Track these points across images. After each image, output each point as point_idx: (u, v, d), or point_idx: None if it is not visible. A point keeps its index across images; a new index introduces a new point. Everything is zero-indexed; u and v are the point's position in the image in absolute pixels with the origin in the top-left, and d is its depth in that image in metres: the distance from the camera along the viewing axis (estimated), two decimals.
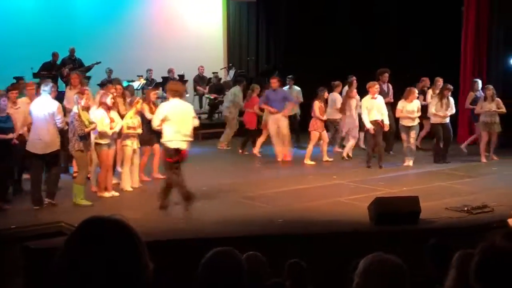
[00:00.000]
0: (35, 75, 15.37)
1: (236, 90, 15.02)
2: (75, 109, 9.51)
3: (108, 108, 9.82)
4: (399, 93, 13.04)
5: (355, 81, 13.73)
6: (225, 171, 12.29)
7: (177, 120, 8.96)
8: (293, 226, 8.42)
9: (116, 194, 9.99)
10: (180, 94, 9.25)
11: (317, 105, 12.97)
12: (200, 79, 18.31)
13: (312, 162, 12.98)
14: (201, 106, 18.37)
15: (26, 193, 9.68)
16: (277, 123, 12.92)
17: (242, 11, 19.85)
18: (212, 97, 17.59)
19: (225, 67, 19.62)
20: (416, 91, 12.81)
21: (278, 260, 5.18)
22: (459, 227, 8.30)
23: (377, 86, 12.61)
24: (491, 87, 13.03)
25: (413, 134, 12.65)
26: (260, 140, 13.77)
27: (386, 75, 13.56)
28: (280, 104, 13.05)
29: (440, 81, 13.49)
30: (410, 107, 12.52)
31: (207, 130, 16.78)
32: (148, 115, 10.54)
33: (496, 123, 12.83)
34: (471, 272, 2.97)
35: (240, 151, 14.25)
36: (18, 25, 16.62)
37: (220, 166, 12.83)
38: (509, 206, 8.93)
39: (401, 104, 12.66)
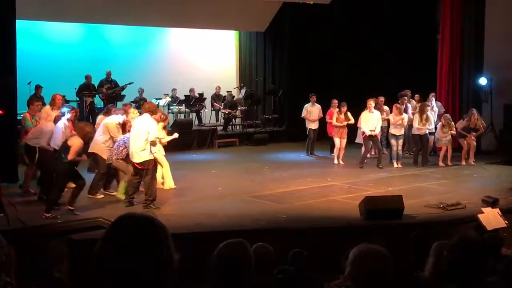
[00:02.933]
0: (76, 95, 15.49)
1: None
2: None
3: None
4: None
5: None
6: (237, 174, 12.27)
7: (131, 136, 9.05)
8: (295, 221, 8.39)
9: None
10: (148, 111, 9.02)
11: (335, 115, 13.60)
12: (216, 97, 18.35)
13: (342, 163, 13.35)
14: (217, 120, 18.42)
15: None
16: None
17: (252, 39, 19.90)
18: (226, 112, 17.61)
19: (237, 87, 19.66)
20: (399, 107, 13.10)
21: (283, 250, 5.17)
22: (436, 221, 8.26)
23: (372, 102, 13.05)
24: (447, 117, 13.25)
25: (400, 142, 13.01)
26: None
27: (405, 98, 13.55)
28: None
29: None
30: (397, 119, 13.01)
31: (222, 140, 16.82)
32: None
33: (448, 139, 13.11)
34: (446, 259, 2.96)
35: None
36: (64, 52, 16.75)
37: (233, 170, 12.82)
38: (478, 204, 8.91)
39: (391, 117, 13.17)
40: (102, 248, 1.71)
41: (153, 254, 1.69)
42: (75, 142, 8.39)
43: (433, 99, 13.83)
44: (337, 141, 13.51)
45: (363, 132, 12.96)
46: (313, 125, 14.71)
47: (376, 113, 13.07)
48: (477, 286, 2.85)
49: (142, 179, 9.02)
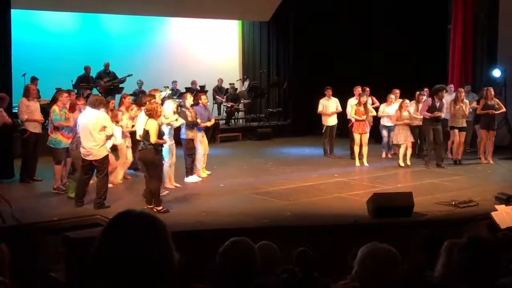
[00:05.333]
0: (74, 87, 15.47)
1: None
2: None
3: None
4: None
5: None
6: (240, 170, 12.28)
7: (80, 131, 8.79)
8: (300, 219, 8.40)
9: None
10: (92, 104, 8.77)
11: (353, 108, 12.67)
12: (219, 90, 18.36)
13: (358, 164, 12.57)
14: (219, 113, 18.42)
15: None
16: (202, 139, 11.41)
17: (255, 29, 19.88)
18: (229, 105, 17.62)
19: (240, 79, 19.66)
20: (393, 97, 13.25)
21: (287, 249, 5.17)
22: (447, 220, 8.25)
23: (359, 88, 13.12)
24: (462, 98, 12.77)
25: (392, 133, 13.06)
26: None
27: (444, 91, 12.49)
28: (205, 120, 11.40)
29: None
30: (389, 109, 13.15)
31: (225, 134, 16.84)
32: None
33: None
34: (457, 259, 2.95)
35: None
36: (59, 42, 16.77)
37: (235, 166, 12.83)
38: (492, 201, 8.89)
39: (382, 108, 13.31)
40: (99, 246, 1.72)
41: (152, 253, 1.69)
42: (152, 125, 8.40)
43: (452, 90, 13.72)
44: (357, 137, 12.51)
45: (351, 121, 12.73)
46: (331, 121, 13.69)
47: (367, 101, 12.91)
48: (490, 287, 2.85)
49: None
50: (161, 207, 8.51)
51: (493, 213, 8.00)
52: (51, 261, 7.29)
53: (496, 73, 14.88)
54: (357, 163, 12.64)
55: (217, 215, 8.46)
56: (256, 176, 11.50)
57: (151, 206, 8.47)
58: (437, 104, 12.29)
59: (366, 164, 12.59)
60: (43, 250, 7.45)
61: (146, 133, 8.44)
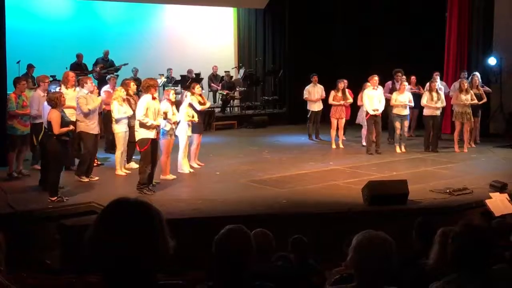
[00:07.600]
0: None
1: None
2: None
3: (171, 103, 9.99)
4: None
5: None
6: (236, 158, 12.26)
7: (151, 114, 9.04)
8: (296, 206, 8.42)
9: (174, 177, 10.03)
10: (143, 88, 9.27)
11: (332, 94, 13.37)
12: (214, 77, 18.31)
13: (334, 147, 13.29)
14: (215, 101, 18.37)
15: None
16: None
17: (251, 17, 19.78)
18: (224, 93, 17.58)
19: (236, 67, 19.58)
20: (406, 85, 13.04)
21: (282, 236, 5.18)
22: (442, 207, 8.29)
23: (376, 78, 12.56)
24: (465, 80, 12.99)
25: (406, 123, 12.76)
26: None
27: (399, 74, 13.59)
28: None
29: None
30: (401, 98, 12.64)
31: (220, 122, 16.82)
32: (197, 106, 10.80)
33: (468, 113, 12.63)
34: (451, 246, 2.96)
35: None
36: (54, 29, 16.67)
37: (231, 154, 12.81)
38: (486, 189, 8.92)
39: (394, 96, 12.78)
40: (94, 234, 1.72)
41: (147, 240, 1.69)
42: (54, 115, 8.28)
43: (438, 78, 13.70)
44: (333, 122, 13.18)
45: (366, 112, 12.52)
46: (315, 106, 14.30)
47: (380, 90, 12.65)
48: (483, 274, 2.86)
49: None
50: (55, 198, 8.26)
51: (487, 201, 8.04)
52: (46, 249, 7.30)
53: (492, 61, 14.89)
54: (333, 145, 13.27)
55: (213, 203, 8.46)
56: (252, 164, 11.49)
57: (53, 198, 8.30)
58: (397, 86, 13.20)
59: (341, 146, 13.29)
60: (38, 238, 7.45)
61: (49, 124, 8.32)
